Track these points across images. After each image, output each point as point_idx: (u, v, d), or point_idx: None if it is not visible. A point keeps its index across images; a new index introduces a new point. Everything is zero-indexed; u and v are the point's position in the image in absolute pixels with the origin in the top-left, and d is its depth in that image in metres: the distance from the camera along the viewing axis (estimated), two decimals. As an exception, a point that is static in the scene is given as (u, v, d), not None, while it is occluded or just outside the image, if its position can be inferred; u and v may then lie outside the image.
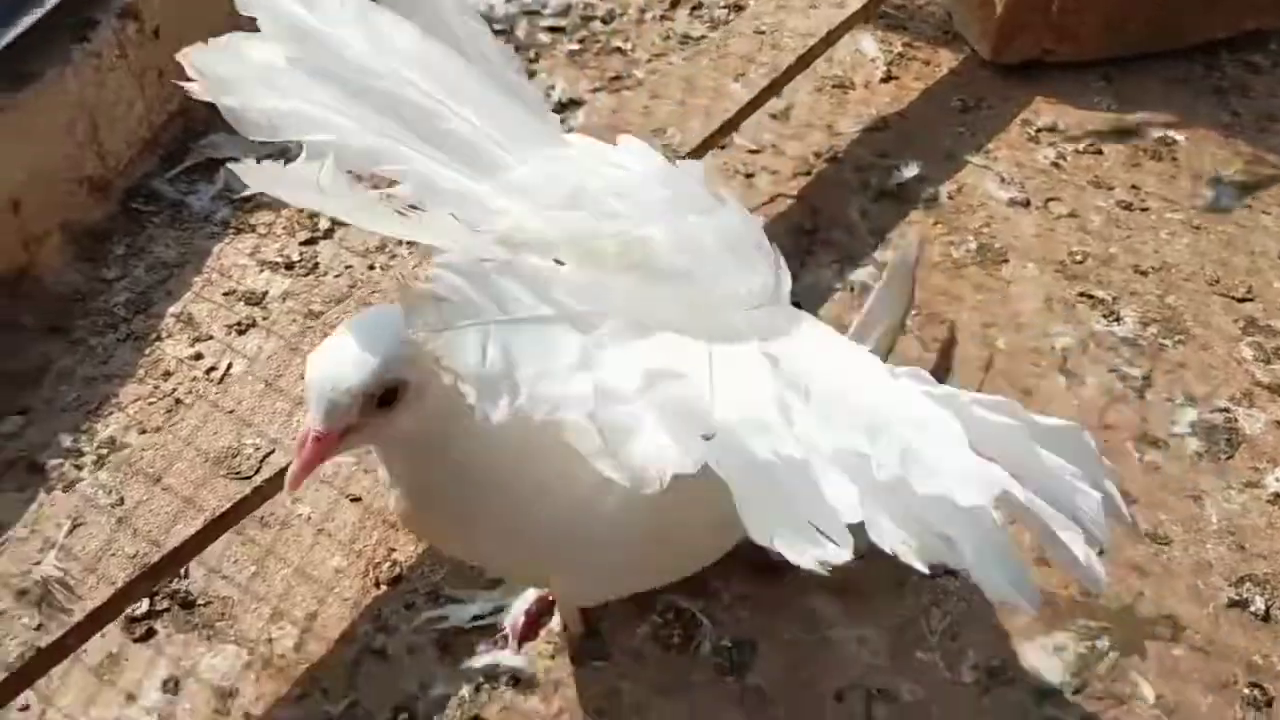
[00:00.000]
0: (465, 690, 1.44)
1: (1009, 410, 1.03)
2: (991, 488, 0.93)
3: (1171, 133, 2.24)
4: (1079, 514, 1.02)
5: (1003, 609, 1.56)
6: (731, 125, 1.87)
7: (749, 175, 2.12)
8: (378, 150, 1.10)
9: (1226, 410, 1.79)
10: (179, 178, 2.08)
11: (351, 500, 1.62)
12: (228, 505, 1.29)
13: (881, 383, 1.03)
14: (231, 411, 1.42)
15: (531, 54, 2.34)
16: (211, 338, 1.83)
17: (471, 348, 0.93)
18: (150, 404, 1.73)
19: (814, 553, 0.91)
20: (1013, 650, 1.53)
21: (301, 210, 2.04)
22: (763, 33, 2.07)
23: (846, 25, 2.08)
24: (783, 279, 1.17)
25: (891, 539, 0.92)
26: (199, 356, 1.80)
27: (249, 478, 1.31)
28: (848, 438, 0.96)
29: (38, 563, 1.23)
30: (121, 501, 1.32)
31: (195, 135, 2.15)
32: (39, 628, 1.19)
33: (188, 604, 1.50)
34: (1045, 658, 1.53)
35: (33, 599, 1.19)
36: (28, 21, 1.82)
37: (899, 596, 1.56)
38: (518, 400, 0.93)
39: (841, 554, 0.90)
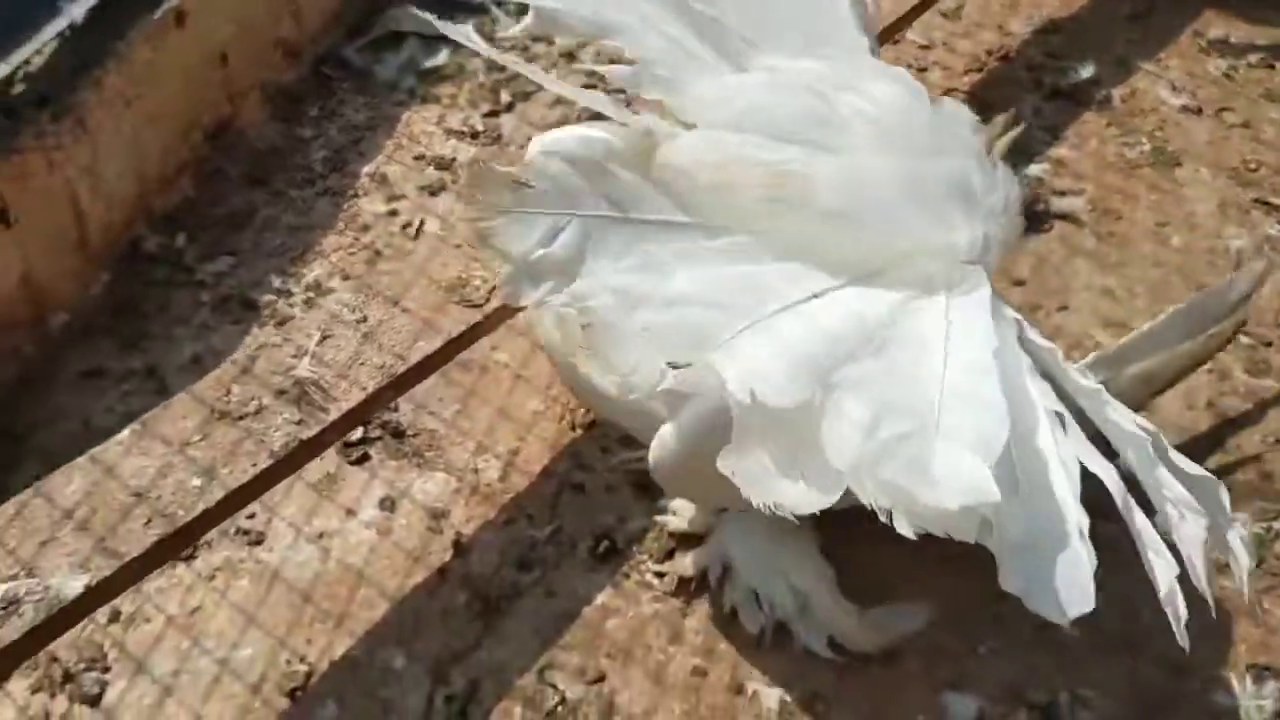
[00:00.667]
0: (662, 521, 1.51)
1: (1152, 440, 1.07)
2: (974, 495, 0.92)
3: (1347, 51, 2.22)
4: (1183, 543, 1.06)
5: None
6: (924, 6, 1.90)
7: (921, 70, 2.15)
8: (605, 23, 1.15)
9: (1404, 316, 1.80)
10: (365, 48, 2.15)
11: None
12: (464, 328, 1.36)
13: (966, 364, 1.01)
14: (458, 246, 1.48)
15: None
16: (405, 197, 1.90)
17: (531, 233, 1.02)
18: (351, 254, 1.80)
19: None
20: (1190, 526, 1.56)
21: (482, 84, 2.11)
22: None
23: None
24: (991, 235, 1.12)
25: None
26: (394, 213, 1.87)
27: (480, 305, 1.38)
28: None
29: (293, 367, 1.31)
30: (365, 319, 1.39)
31: (378, 9, 2.21)
32: (299, 423, 1.27)
33: (398, 434, 1.58)
34: (1223, 535, 1.56)
35: (291, 398, 1.27)
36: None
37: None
38: (558, 293, 1.01)
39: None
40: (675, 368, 0.97)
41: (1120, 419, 1.08)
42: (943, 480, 0.92)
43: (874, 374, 0.99)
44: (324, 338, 1.36)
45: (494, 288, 1.44)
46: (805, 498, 0.95)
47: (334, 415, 1.28)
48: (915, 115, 1.14)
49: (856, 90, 1.12)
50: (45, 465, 1.53)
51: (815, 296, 1.05)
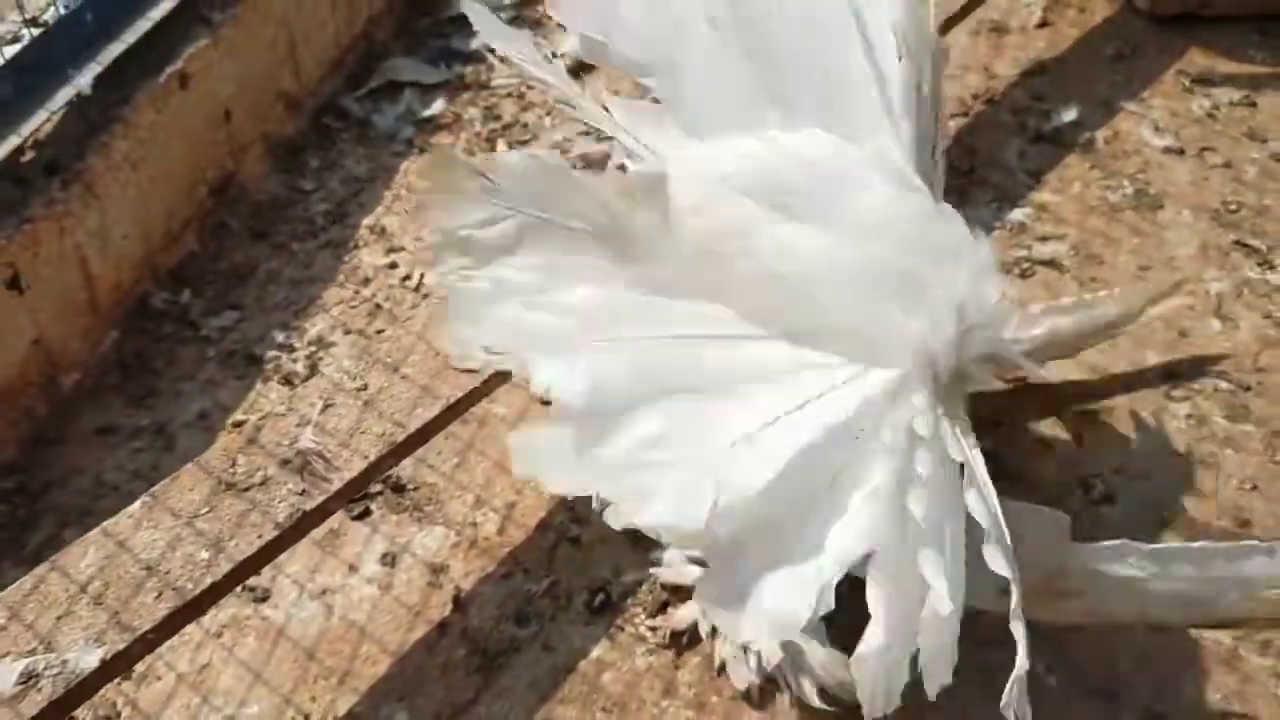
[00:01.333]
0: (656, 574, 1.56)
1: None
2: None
3: (1327, 88, 2.26)
4: None
5: (1159, 537, 1.64)
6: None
7: (908, 114, 2.19)
8: (646, 63, 1.22)
9: (1380, 359, 1.84)
10: (364, 98, 2.20)
11: (544, 404, 1.73)
12: (461, 394, 1.41)
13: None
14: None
15: None
16: (404, 249, 1.95)
17: (470, 214, 1.13)
18: (352, 307, 1.85)
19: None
20: (1168, 573, 1.61)
21: (479, 133, 2.15)
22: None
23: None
24: (937, 347, 1.19)
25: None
26: (394, 266, 1.92)
27: (476, 370, 1.43)
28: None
29: (297, 438, 1.36)
30: (366, 387, 1.45)
31: (377, 58, 2.26)
32: (303, 493, 1.32)
33: (399, 489, 1.63)
34: (1199, 582, 1.60)
35: (295, 468, 1.32)
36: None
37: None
38: (471, 272, 1.14)
39: None
40: (490, 353, 1.12)
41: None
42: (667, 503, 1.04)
43: (687, 409, 1.09)
44: (326, 406, 1.41)
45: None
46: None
47: (336, 485, 1.33)
48: (905, 216, 1.19)
49: (852, 179, 1.17)
50: (60, 523, 1.59)
51: (705, 337, 1.15)
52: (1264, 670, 1.51)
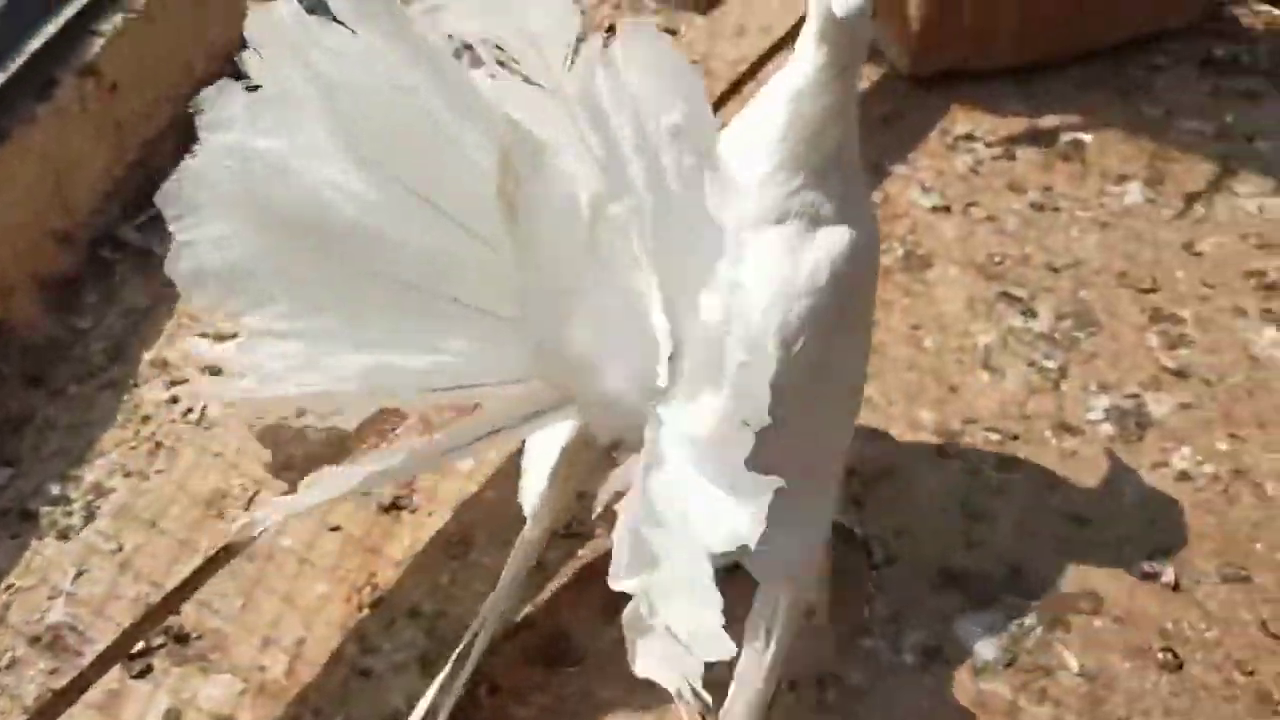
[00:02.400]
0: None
1: None
2: None
3: (1080, 134, 2.39)
4: None
5: (939, 593, 1.70)
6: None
7: (687, 195, 2.25)
8: None
9: (1136, 396, 1.94)
10: (143, 225, 2.17)
11: (331, 530, 1.73)
12: (222, 544, 1.39)
13: None
14: (218, 454, 1.52)
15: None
16: (186, 380, 1.92)
17: None
18: (132, 448, 1.82)
19: None
20: (949, 631, 1.67)
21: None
22: (694, 61, 2.20)
23: (775, 50, 2.21)
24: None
25: None
26: (175, 400, 1.89)
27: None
28: None
29: (47, 611, 1.33)
30: (121, 548, 1.42)
31: (154, 184, 2.22)
32: (53, 672, 1.29)
33: (181, 638, 1.59)
34: (978, 636, 1.66)
35: (44, 644, 1.29)
36: (-7, 84, 1.90)
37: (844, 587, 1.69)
38: None
39: None
40: None
41: None
42: None
43: None
44: (79, 574, 1.38)
45: (253, 496, 1.48)
46: None
47: (88, 658, 1.30)
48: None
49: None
50: None
51: None
52: (1044, 717, 1.58)
